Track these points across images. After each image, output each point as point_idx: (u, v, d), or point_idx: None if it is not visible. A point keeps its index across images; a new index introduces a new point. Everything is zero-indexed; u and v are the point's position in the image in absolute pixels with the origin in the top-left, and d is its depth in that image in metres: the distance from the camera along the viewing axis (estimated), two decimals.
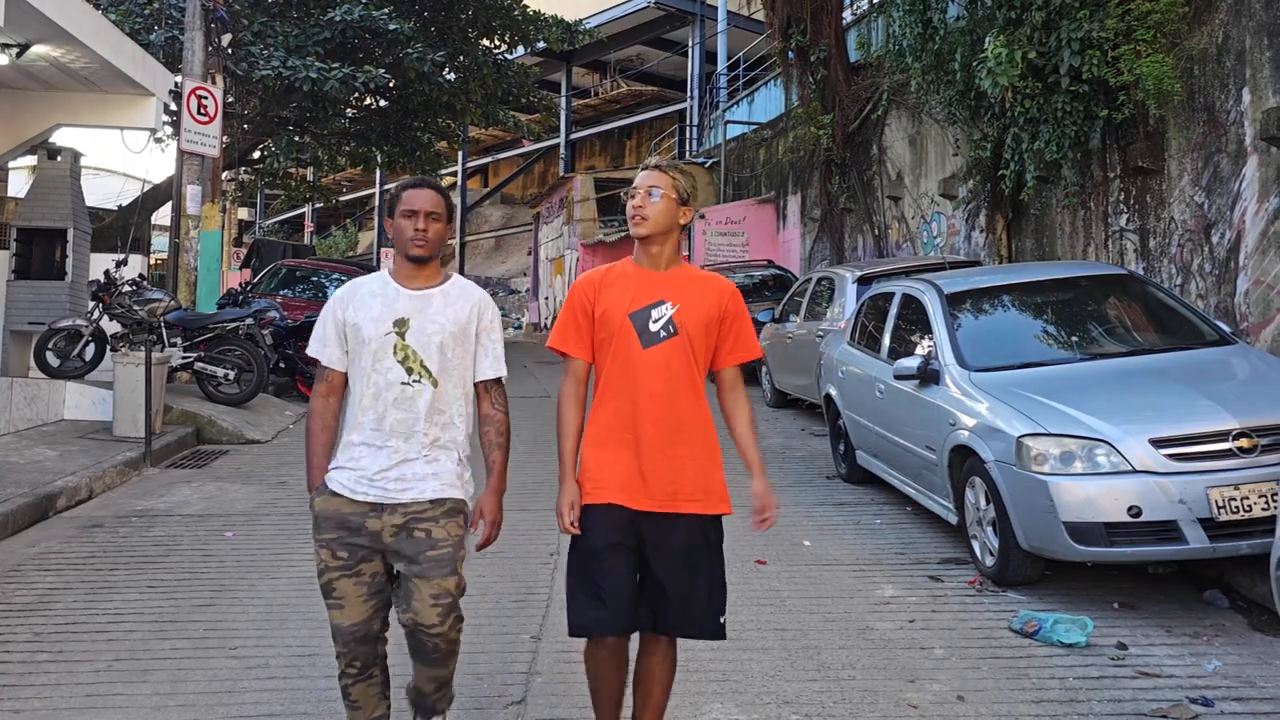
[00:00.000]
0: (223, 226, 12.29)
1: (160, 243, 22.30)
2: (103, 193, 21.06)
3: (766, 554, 5.35)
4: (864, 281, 9.40)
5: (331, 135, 18.88)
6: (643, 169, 2.93)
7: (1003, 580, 4.85)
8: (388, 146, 19.31)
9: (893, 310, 6.76)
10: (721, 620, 2.86)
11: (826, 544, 5.67)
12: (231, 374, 9.79)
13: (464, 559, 2.85)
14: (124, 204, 18.00)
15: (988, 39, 9.00)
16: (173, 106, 12.19)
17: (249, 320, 10.05)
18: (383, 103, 19.05)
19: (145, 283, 10.14)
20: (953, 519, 5.45)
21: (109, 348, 9.45)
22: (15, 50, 8.63)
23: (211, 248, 11.89)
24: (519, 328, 29.54)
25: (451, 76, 18.09)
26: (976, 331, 5.98)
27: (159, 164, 47.32)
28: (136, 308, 9.53)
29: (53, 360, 9.40)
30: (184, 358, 9.80)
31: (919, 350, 6.05)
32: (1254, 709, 3.52)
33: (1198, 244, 7.87)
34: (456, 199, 36.48)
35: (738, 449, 2.93)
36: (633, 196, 2.87)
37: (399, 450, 2.79)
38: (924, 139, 12.87)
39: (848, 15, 15.70)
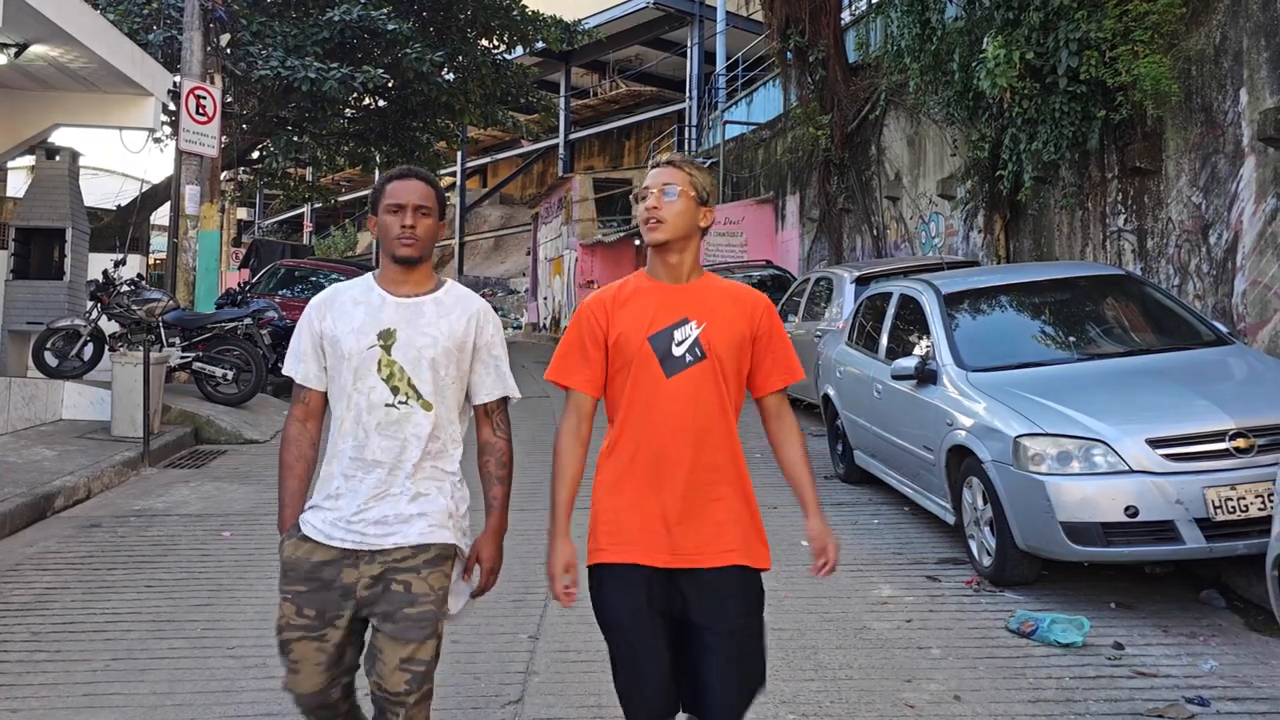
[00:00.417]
0: (221, 226, 12.31)
1: (159, 243, 22.32)
2: (101, 193, 21.03)
3: None
4: (862, 282, 9.42)
5: (330, 135, 18.90)
6: (653, 166, 2.51)
7: (1000, 580, 4.86)
8: (387, 146, 19.32)
9: (890, 310, 6.77)
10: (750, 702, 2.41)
11: None
12: (230, 374, 9.79)
13: (448, 615, 2.49)
14: (122, 204, 18.01)
15: (986, 39, 9.00)
16: (171, 106, 12.21)
17: (247, 320, 10.05)
18: (381, 103, 19.07)
19: (144, 282, 10.15)
20: (950, 519, 5.46)
21: (107, 348, 9.45)
22: (14, 50, 8.63)
23: (210, 248, 11.89)
24: (518, 328, 29.60)
25: (450, 76, 18.11)
26: (974, 332, 5.98)
27: (158, 164, 47.27)
28: (135, 307, 9.53)
29: (51, 360, 9.40)
30: (182, 358, 9.81)
31: (917, 350, 6.06)
32: (1250, 709, 3.53)
33: (1195, 244, 7.88)
34: (455, 199, 36.52)
35: (790, 482, 2.54)
36: (644, 198, 2.44)
37: (382, 483, 2.42)
38: (922, 139, 12.89)
39: (846, 16, 15.72)
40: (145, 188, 15.45)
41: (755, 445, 2.94)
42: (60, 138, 11.35)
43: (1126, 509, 4.34)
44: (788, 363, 2.54)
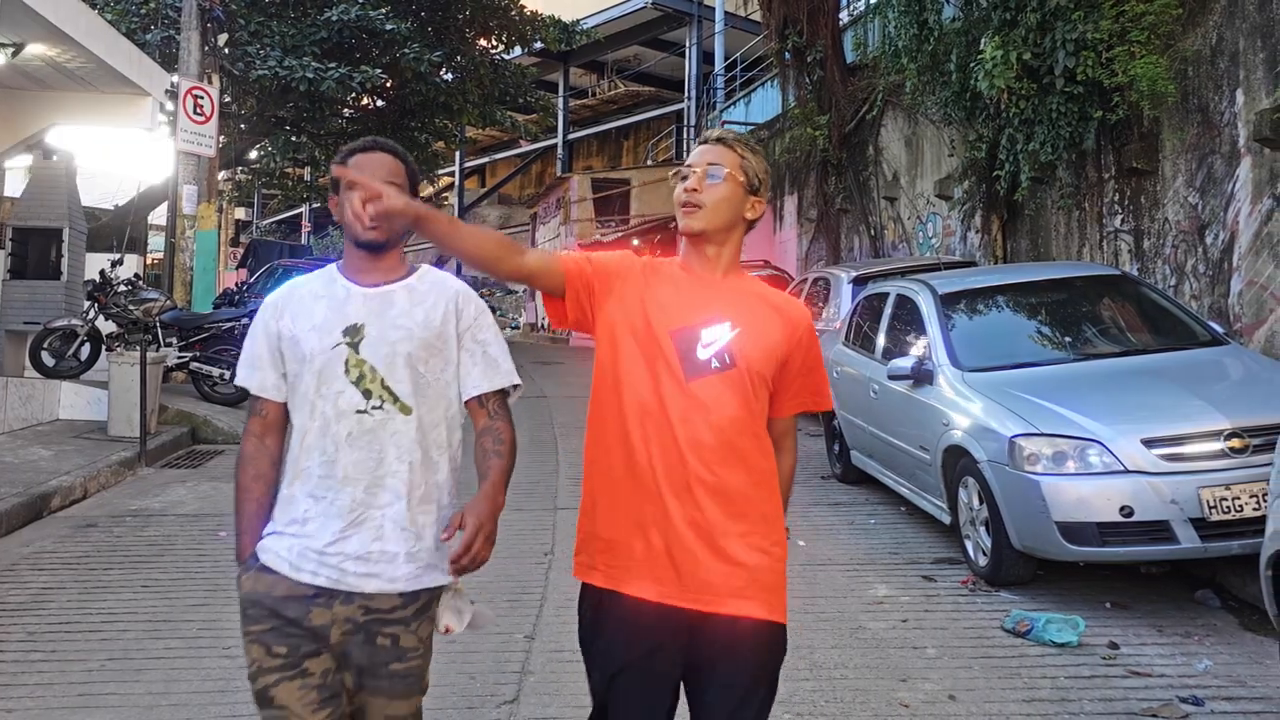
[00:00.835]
0: (219, 226, 12.33)
1: (156, 242, 22.28)
2: (98, 192, 21.00)
3: None
4: (859, 282, 9.43)
5: (328, 135, 18.90)
6: (700, 142, 2.13)
7: (995, 580, 4.86)
8: None
9: (887, 310, 6.77)
10: None
11: (820, 544, 5.68)
12: (227, 374, 9.78)
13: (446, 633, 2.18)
14: (120, 204, 17.99)
15: (983, 40, 9.01)
16: (169, 106, 12.19)
17: (245, 320, 10.04)
18: (380, 103, 19.09)
19: (141, 282, 10.15)
20: (946, 519, 5.46)
21: (104, 347, 9.45)
22: (11, 49, 8.63)
23: (207, 247, 11.90)
24: (516, 328, 29.54)
25: (449, 76, 18.13)
26: (970, 332, 5.99)
27: (155, 164, 47.17)
28: (132, 307, 9.54)
29: (48, 360, 9.40)
30: (179, 357, 9.81)
31: (913, 350, 6.07)
32: (1244, 708, 3.54)
33: (1191, 245, 7.89)
34: (454, 199, 36.54)
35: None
36: (685, 178, 2.08)
37: (358, 505, 2.04)
38: (920, 140, 12.90)
39: (844, 16, 15.74)
40: (142, 187, 15.43)
41: None
42: (57, 137, 11.35)
43: (1122, 509, 4.35)
44: (818, 389, 2.19)
